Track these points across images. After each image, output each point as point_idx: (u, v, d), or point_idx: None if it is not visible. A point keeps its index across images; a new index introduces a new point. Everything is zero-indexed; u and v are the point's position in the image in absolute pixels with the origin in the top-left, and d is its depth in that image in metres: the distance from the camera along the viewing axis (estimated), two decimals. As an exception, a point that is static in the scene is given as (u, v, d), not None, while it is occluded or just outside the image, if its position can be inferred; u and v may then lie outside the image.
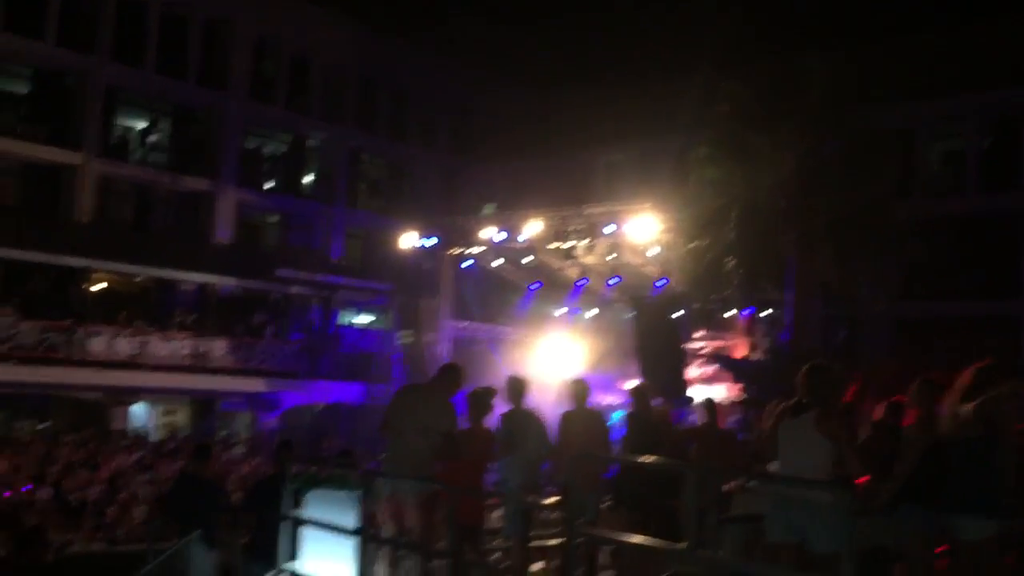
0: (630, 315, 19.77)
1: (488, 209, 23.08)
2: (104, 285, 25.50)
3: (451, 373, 7.56)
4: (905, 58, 24.52)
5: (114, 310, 24.20)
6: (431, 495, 6.96)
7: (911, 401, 6.94)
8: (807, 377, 5.94)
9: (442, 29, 33.95)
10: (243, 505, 8.56)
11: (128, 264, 25.36)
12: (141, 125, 28.67)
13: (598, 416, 8.94)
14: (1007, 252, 25.06)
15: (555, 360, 23.19)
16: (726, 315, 20.77)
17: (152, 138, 28.69)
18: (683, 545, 5.29)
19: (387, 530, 7.17)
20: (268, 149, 32.04)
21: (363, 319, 33.06)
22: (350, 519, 6.54)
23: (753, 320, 18.70)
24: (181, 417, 27.61)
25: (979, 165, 26.48)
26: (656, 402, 13.56)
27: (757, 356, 18.34)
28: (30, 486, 14.99)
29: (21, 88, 26.76)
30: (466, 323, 24.73)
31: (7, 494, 14.05)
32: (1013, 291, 24.65)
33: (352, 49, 32.19)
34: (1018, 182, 25.33)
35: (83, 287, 23.80)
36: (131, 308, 24.95)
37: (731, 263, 17.18)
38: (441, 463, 7.37)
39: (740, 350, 19.17)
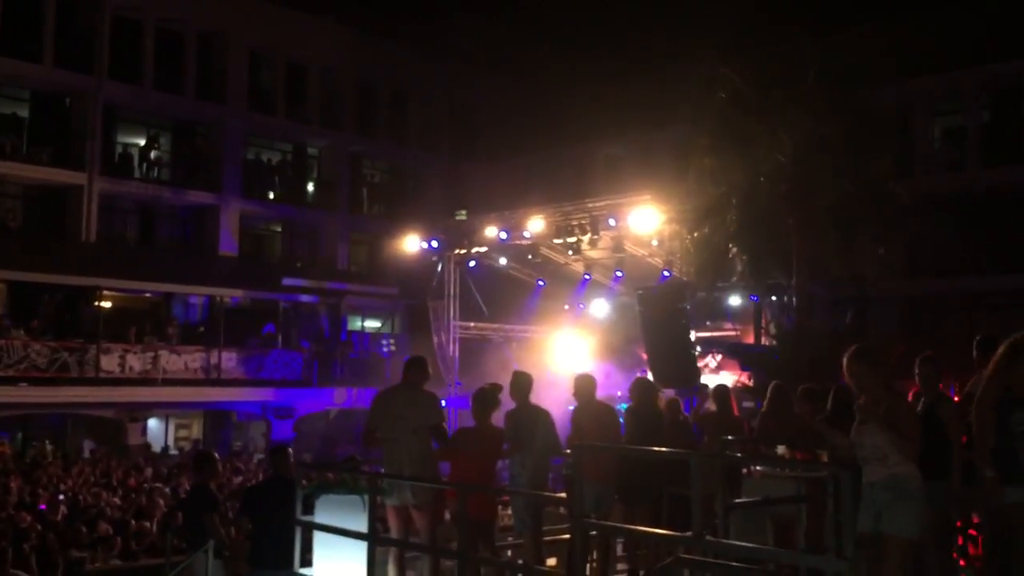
0: (637, 307, 19.77)
1: (461, 214, 23.22)
2: (113, 303, 25.63)
3: (419, 366, 7.59)
4: (900, 36, 24.41)
5: (124, 327, 24.33)
6: (437, 495, 6.99)
7: (916, 379, 6.95)
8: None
9: (437, 30, 33.99)
10: (239, 512, 8.59)
11: (136, 281, 25.48)
12: (142, 142, 28.81)
13: (608, 409, 8.95)
14: (1012, 226, 24.95)
15: (565, 356, 23.25)
16: (733, 303, 20.78)
17: (154, 154, 28.83)
18: (689, 533, 5.33)
19: (394, 534, 7.20)
20: (270, 159, 32.14)
21: (372, 324, 33.15)
22: (360, 523, 6.59)
23: (759, 307, 18.68)
24: (196, 430, 27.76)
25: (980, 140, 26.37)
26: (668, 392, 13.58)
27: (764, 342, 18.33)
28: (43, 507, 15.09)
29: (22, 111, 26.94)
30: (474, 323, 24.79)
31: (25, 513, 14.12)
32: (1020, 265, 24.54)
33: (348, 55, 32.25)
34: (1020, 156, 25.20)
35: (92, 306, 23.93)
36: (141, 324, 25.09)
37: (735, 251, 17.18)
38: (447, 461, 7.40)
39: (747, 337, 19.17)
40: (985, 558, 6.26)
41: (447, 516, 7.60)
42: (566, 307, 24.94)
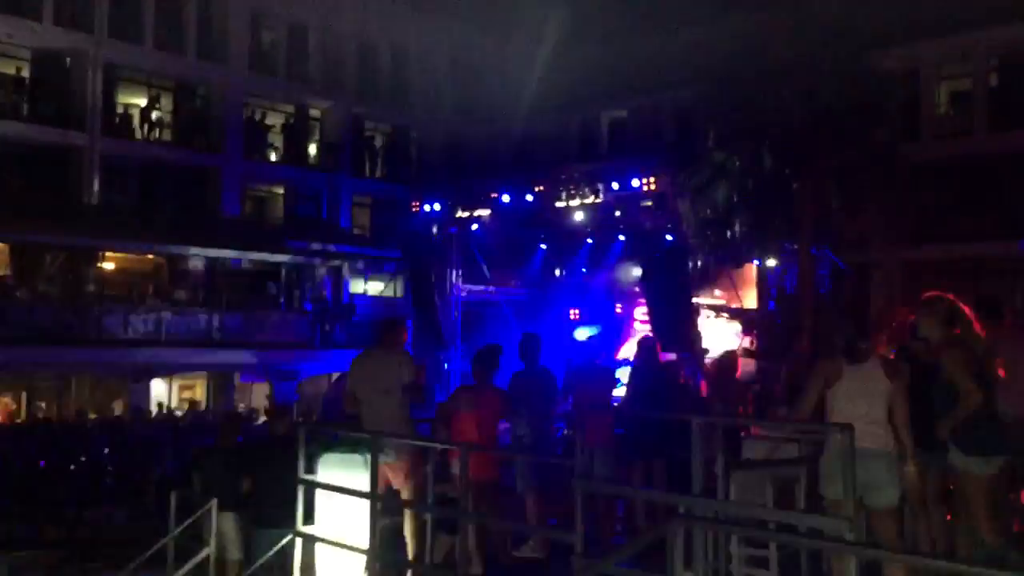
0: (639, 271, 19.74)
1: None
2: (115, 264, 25.64)
3: (392, 327, 7.63)
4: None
5: (127, 288, 24.36)
6: (415, 453, 7.06)
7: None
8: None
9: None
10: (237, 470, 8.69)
11: (137, 242, 25.45)
12: (142, 102, 28.63)
13: (605, 371, 8.99)
14: (1019, 192, 24.79)
15: (569, 319, 23.25)
16: (736, 268, 20.70)
17: (155, 115, 28.67)
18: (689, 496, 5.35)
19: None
20: (271, 120, 31.96)
21: (374, 287, 33.15)
22: (362, 481, 6.62)
23: (762, 272, 18.64)
24: (200, 391, 27.88)
25: (987, 104, 26.11)
26: (669, 356, 13.59)
27: (766, 307, 18.30)
28: (42, 463, 15.22)
29: (22, 71, 26.74)
30: (478, 287, 24.73)
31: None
32: (1025, 231, 24.42)
33: (349, 15, 31.94)
34: (1028, 120, 24.95)
35: (95, 267, 23.94)
36: (143, 285, 25.12)
37: (739, 216, 17.09)
38: (443, 421, 7.45)
39: (750, 302, 19.12)
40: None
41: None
42: (570, 271, 24.89)
